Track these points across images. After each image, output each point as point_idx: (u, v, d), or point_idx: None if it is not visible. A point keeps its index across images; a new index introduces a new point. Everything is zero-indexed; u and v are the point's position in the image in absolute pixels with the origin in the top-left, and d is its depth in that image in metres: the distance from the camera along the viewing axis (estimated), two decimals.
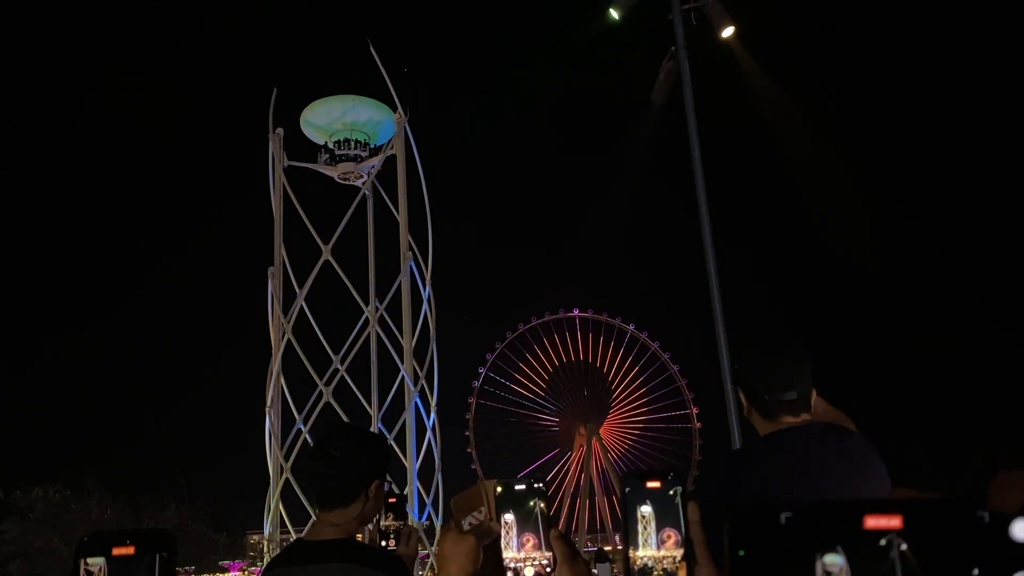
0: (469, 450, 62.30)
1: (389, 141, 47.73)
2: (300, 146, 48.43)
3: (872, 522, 0.57)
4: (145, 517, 32.55)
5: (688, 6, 10.29)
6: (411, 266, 44.61)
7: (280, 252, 45.19)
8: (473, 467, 61.33)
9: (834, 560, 0.57)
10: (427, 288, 44.68)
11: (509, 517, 1.61)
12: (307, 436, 41.72)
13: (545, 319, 65.63)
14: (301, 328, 44.45)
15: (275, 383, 43.46)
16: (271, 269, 44.90)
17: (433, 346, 44.57)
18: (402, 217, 45.47)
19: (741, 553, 0.58)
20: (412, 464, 42.06)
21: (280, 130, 46.79)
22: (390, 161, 47.40)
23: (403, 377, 43.63)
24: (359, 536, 3.01)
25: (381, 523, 3.07)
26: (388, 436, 42.02)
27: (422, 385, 43.71)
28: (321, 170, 48.12)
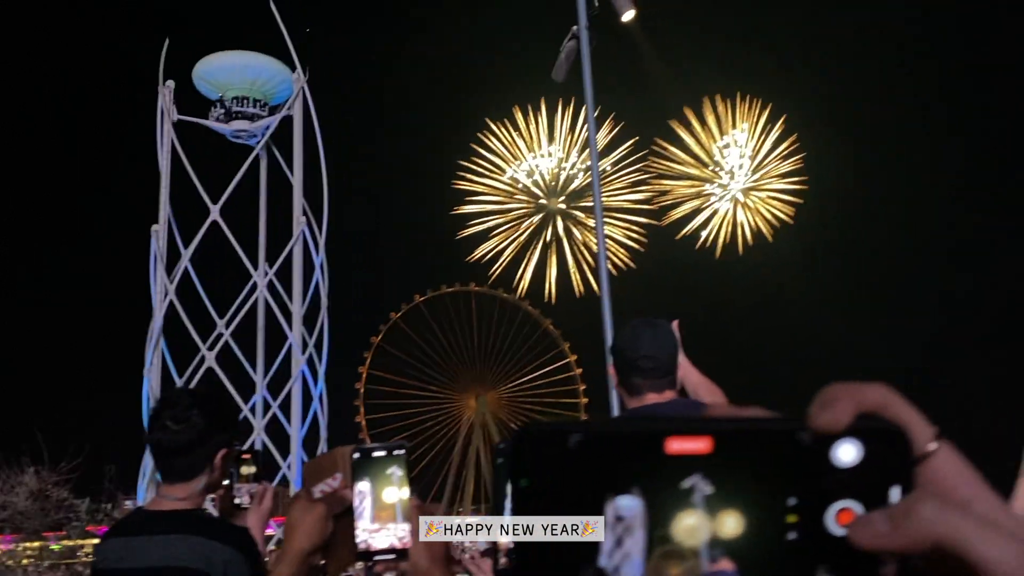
0: (358, 419, 61.85)
1: (286, 101, 46.31)
2: (191, 101, 46.36)
3: (676, 446, 0.46)
4: (0, 481, 30.83)
5: None
6: (304, 231, 43.62)
7: (165, 209, 43.28)
8: (361, 436, 60.91)
9: (628, 504, 0.46)
10: (320, 254, 43.85)
11: (364, 485, 1.49)
12: None
13: (440, 292, 65.57)
14: (185, 290, 42.87)
15: (155, 346, 41.79)
16: (155, 227, 42.98)
17: (324, 314, 43.86)
18: (297, 180, 44.36)
19: (524, 483, 0.46)
20: (297, 433, 41.41)
21: (171, 83, 44.64)
22: (286, 122, 46.03)
23: (291, 344, 42.76)
24: (226, 503, 2.88)
25: (235, 480, 2.91)
26: (273, 404, 41.16)
27: (311, 353, 42.98)
28: (213, 126, 46.26)
